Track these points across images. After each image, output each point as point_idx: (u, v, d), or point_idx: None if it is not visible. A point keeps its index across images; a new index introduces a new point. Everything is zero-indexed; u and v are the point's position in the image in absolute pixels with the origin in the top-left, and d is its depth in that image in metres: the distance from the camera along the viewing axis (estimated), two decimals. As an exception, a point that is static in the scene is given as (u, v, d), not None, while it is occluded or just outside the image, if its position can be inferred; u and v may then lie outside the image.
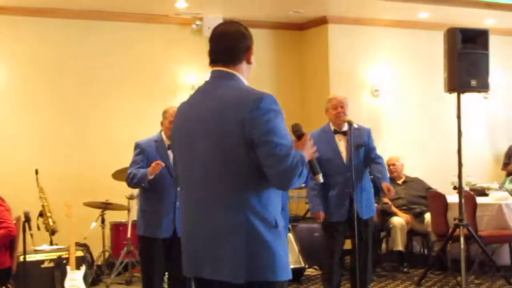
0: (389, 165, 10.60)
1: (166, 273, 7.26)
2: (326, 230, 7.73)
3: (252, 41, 3.85)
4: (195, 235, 3.73)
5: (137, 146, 6.93)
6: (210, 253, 3.62)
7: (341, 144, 7.59)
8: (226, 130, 3.56)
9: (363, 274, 7.51)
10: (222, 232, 3.57)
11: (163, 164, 6.61)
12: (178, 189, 3.88)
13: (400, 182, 10.60)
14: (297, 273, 9.37)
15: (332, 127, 7.65)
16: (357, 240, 7.31)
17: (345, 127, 7.57)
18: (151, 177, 6.60)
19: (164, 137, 6.89)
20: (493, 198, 9.83)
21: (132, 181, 6.79)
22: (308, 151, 3.72)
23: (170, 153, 6.80)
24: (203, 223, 3.65)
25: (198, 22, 11.13)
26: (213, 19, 11.16)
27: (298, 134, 3.88)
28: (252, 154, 3.52)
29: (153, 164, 6.57)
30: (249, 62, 3.87)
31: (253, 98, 3.62)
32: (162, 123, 6.92)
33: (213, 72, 3.90)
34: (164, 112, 6.92)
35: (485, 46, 8.72)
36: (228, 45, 3.84)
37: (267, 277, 3.56)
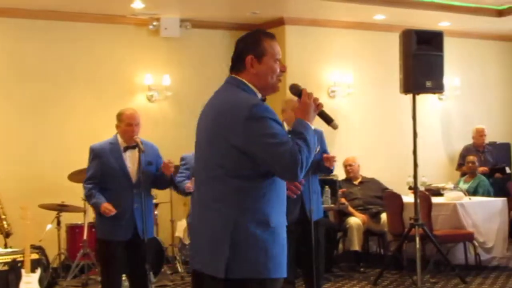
0: (345, 166, 10.69)
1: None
2: None
3: (254, 47, 4.04)
4: (197, 231, 3.92)
5: (92, 150, 6.86)
6: (206, 250, 3.77)
7: None
8: (219, 135, 3.78)
9: (314, 276, 7.52)
10: (217, 232, 3.71)
11: (114, 212, 6.57)
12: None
13: (356, 182, 10.67)
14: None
15: (286, 128, 7.61)
16: (312, 241, 7.33)
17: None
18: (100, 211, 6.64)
19: (119, 139, 6.83)
20: (447, 198, 9.94)
21: (87, 200, 6.93)
22: (309, 108, 3.94)
23: (126, 155, 6.78)
24: (202, 221, 3.83)
25: (155, 23, 11.09)
26: (170, 19, 11.15)
27: (298, 94, 4.07)
28: (244, 159, 3.70)
29: (105, 208, 6.55)
30: (252, 70, 4.02)
31: (245, 106, 3.78)
32: (117, 126, 6.84)
33: (226, 78, 4.19)
34: (119, 115, 6.84)
35: (439, 48, 8.81)
36: (235, 54, 4.15)
37: (259, 274, 3.69)
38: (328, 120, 4.06)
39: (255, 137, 3.70)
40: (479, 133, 12.37)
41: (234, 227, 3.68)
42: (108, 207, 6.56)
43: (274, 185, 3.80)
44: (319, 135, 7.67)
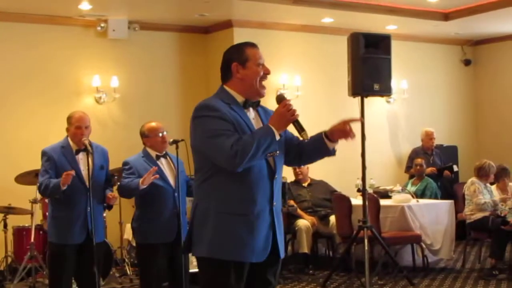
0: (294, 168, 10.69)
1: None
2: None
3: (237, 55, 4.50)
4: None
5: (44, 153, 6.78)
6: (190, 233, 4.35)
7: None
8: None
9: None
10: (197, 218, 4.29)
11: (73, 173, 6.51)
12: None
13: (305, 184, 10.70)
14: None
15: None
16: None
17: None
18: (63, 187, 6.49)
19: (70, 142, 6.79)
20: (395, 200, 10.02)
21: (45, 192, 6.72)
22: (281, 117, 4.27)
23: (78, 158, 6.74)
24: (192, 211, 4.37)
25: (102, 24, 11.02)
26: (118, 21, 11.08)
27: (279, 103, 4.39)
28: (201, 156, 4.28)
29: (63, 175, 6.45)
30: (238, 75, 4.47)
31: (195, 108, 4.32)
32: (68, 129, 6.80)
33: None
34: (69, 118, 6.81)
35: (387, 51, 8.89)
36: (222, 65, 4.62)
37: (226, 256, 4.17)
38: (299, 130, 4.31)
39: (197, 134, 4.26)
40: (428, 136, 12.49)
41: (210, 216, 4.23)
42: (66, 173, 6.43)
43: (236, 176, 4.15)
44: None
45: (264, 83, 4.51)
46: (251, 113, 4.48)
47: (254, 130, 4.26)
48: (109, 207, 7.14)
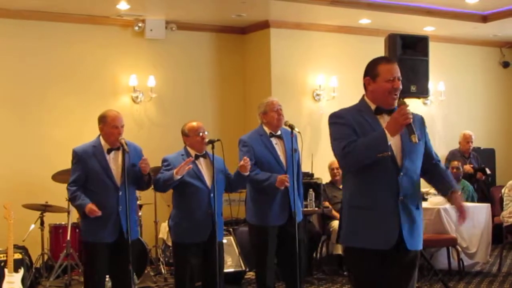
0: (333, 169, 10.66)
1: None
2: (259, 234, 7.53)
3: (370, 70, 5.17)
4: None
5: (75, 154, 6.81)
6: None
7: (278, 148, 7.56)
8: None
9: (294, 277, 7.51)
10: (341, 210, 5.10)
11: (99, 214, 6.57)
12: None
13: (340, 186, 10.66)
14: (238, 276, 9.39)
15: (268, 131, 7.60)
16: (297, 243, 7.33)
17: (279, 131, 7.56)
18: (88, 214, 6.58)
19: (102, 141, 6.81)
20: (431, 203, 9.94)
21: (71, 202, 6.88)
22: (395, 123, 4.64)
23: (110, 157, 6.76)
24: None
25: (140, 24, 11.08)
26: (155, 21, 11.14)
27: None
28: None
29: (90, 209, 6.54)
30: (369, 88, 5.13)
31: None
32: (101, 129, 6.81)
33: None
34: (104, 117, 6.80)
35: (424, 52, 8.84)
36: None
37: (356, 244, 4.83)
38: (409, 133, 4.67)
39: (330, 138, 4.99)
40: (466, 139, 12.36)
41: None
42: (93, 208, 6.52)
43: None
44: (296, 138, 7.54)
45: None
46: (386, 119, 4.84)
47: (371, 134, 4.74)
48: (148, 182, 7.02)
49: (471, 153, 12.39)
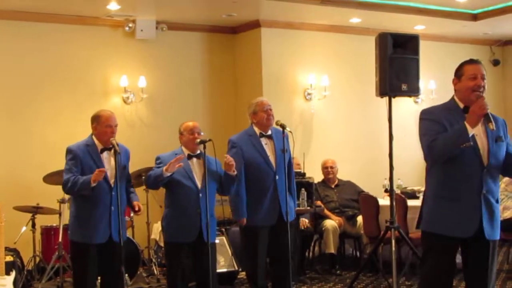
0: (326, 168, 10.68)
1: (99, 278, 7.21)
2: (249, 234, 7.62)
3: (457, 70, 5.58)
4: None
5: (70, 151, 6.78)
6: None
7: (268, 148, 7.58)
8: None
9: (285, 278, 7.53)
10: (424, 200, 5.64)
11: (106, 170, 6.54)
12: None
13: (332, 185, 10.67)
14: (230, 276, 9.39)
15: (258, 131, 7.62)
16: (288, 242, 7.35)
17: (269, 131, 7.58)
18: (94, 184, 6.48)
19: (96, 141, 6.81)
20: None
21: (72, 189, 6.64)
22: (474, 117, 5.11)
23: (103, 157, 6.76)
24: None
25: (130, 25, 11.07)
26: (146, 21, 11.12)
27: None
28: None
29: (96, 171, 6.45)
30: (456, 87, 5.60)
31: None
32: (95, 128, 6.81)
33: None
34: (97, 117, 6.81)
35: (415, 51, 8.82)
36: None
37: (434, 229, 5.38)
38: (487, 121, 5.16)
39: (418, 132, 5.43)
40: None
41: None
42: (100, 170, 6.45)
43: None
44: (287, 137, 7.59)
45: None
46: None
47: (453, 128, 5.19)
48: (134, 212, 7.19)
49: None
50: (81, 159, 6.70)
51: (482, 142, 5.28)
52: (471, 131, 5.08)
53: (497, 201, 5.37)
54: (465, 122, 5.10)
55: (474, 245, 5.34)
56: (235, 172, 7.11)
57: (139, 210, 7.02)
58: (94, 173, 6.46)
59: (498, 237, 5.41)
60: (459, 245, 5.41)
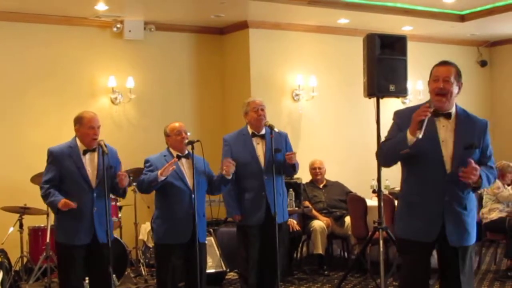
0: (314, 168, 10.69)
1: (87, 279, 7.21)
2: (241, 233, 7.74)
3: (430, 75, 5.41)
4: None
5: (50, 153, 6.77)
6: None
7: (259, 148, 7.62)
8: None
9: (273, 278, 7.56)
10: None
11: (74, 206, 6.48)
12: None
13: (320, 185, 10.68)
14: (218, 277, 9.39)
15: (250, 130, 7.67)
16: (277, 244, 7.37)
17: (263, 131, 7.62)
18: (62, 208, 6.47)
19: (78, 143, 6.78)
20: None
21: (43, 198, 6.71)
22: (413, 121, 5.01)
23: (85, 158, 6.73)
24: None
25: (118, 25, 11.05)
26: (134, 22, 11.11)
27: None
28: None
29: (63, 202, 6.43)
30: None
31: None
32: (77, 130, 6.78)
33: None
34: (80, 118, 6.77)
35: (403, 52, 8.85)
36: None
37: (404, 235, 5.45)
38: (419, 127, 5.01)
39: None
40: None
41: None
42: (67, 202, 6.44)
43: None
44: (285, 137, 7.76)
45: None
46: (441, 122, 5.24)
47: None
48: (123, 193, 7.06)
49: None
50: (61, 161, 6.68)
51: (447, 149, 5.18)
52: (411, 141, 5.04)
53: (465, 208, 5.27)
54: (407, 131, 5.08)
55: (443, 251, 5.40)
56: (230, 176, 7.14)
57: (124, 177, 6.77)
58: (61, 202, 6.44)
59: (468, 243, 5.34)
60: (430, 248, 5.43)
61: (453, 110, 5.31)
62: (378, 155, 5.48)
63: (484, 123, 5.40)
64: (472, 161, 4.99)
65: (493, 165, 5.37)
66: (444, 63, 5.46)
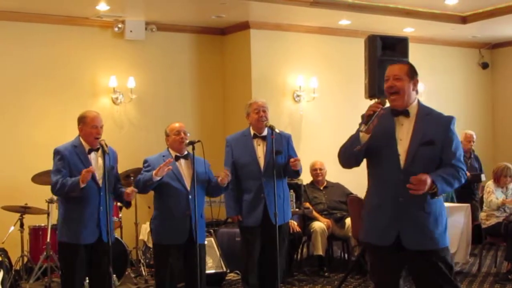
0: (315, 170, 10.67)
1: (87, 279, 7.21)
2: (242, 233, 7.82)
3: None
4: None
5: (57, 152, 6.76)
6: None
7: (259, 149, 7.62)
8: None
9: (273, 279, 7.56)
10: None
11: (93, 170, 6.51)
12: None
13: (321, 187, 10.67)
14: (219, 277, 9.38)
15: (252, 132, 7.67)
16: (277, 245, 7.37)
17: (265, 132, 7.61)
18: (83, 185, 6.45)
19: (83, 142, 6.79)
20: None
21: (61, 190, 6.61)
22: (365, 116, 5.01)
23: (90, 157, 6.74)
24: None
25: (120, 25, 11.04)
26: (135, 22, 11.11)
27: None
28: None
29: (82, 172, 6.42)
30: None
31: None
32: (81, 129, 6.80)
33: None
34: (83, 117, 6.80)
35: (404, 53, 8.84)
36: None
37: (361, 238, 5.49)
38: (364, 122, 5.06)
39: None
40: (467, 139, 11.79)
41: None
42: (87, 170, 6.41)
43: None
44: (287, 139, 7.75)
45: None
46: (400, 121, 5.14)
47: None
48: (128, 204, 7.11)
49: (472, 154, 11.97)
50: (69, 160, 6.68)
51: (403, 147, 5.01)
52: (364, 138, 5.06)
53: (424, 210, 4.98)
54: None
55: (408, 256, 5.08)
56: (225, 185, 7.15)
57: (131, 193, 6.86)
58: (81, 174, 6.43)
59: (424, 248, 5.01)
60: (391, 251, 5.05)
61: (412, 108, 5.16)
62: (338, 155, 5.35)
63: (448, 119, 5.18)
64: (418, 175, 4.78)
65: (460, 164, 5.05)
66: (395, 62, 5.52)
